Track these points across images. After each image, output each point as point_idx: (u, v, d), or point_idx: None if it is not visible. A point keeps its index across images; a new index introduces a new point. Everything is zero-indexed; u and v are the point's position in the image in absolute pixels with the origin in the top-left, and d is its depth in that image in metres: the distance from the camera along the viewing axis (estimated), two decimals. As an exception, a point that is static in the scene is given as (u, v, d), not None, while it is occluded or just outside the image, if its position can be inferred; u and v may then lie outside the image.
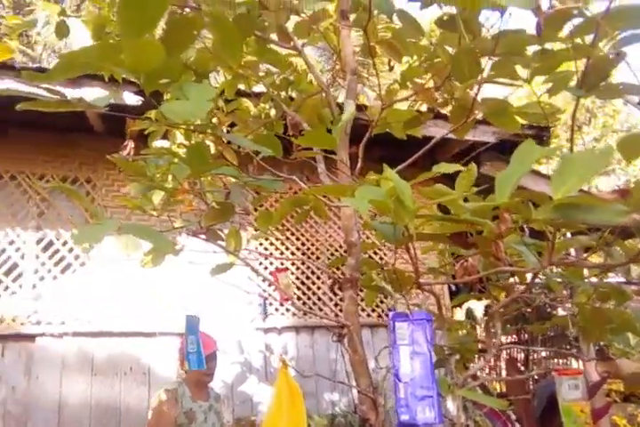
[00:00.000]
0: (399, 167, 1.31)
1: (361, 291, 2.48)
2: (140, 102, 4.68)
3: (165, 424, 3.03)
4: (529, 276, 1.94)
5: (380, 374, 2.08)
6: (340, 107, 2.53)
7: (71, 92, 4.61)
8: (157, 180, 1.98)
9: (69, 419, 4.72)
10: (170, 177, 2.27)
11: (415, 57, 2.33)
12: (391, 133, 2.56)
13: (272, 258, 5.77)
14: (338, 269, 5.22)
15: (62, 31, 2.70)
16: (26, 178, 5.33)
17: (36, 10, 10.22)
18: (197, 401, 3.20)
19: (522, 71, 1.58)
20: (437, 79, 2.12)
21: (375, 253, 6.14)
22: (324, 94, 2.73)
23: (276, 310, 5.78)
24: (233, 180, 2.15)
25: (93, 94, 4.56)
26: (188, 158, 1.63)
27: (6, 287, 4.97)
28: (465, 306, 8.44)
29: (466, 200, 1.54)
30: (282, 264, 5.68)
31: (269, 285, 5.71)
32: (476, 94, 1.71)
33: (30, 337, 4.84)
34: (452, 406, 1.87)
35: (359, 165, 2.11)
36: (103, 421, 4.81)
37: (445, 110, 4.98)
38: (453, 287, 5.63)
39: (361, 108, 2.46)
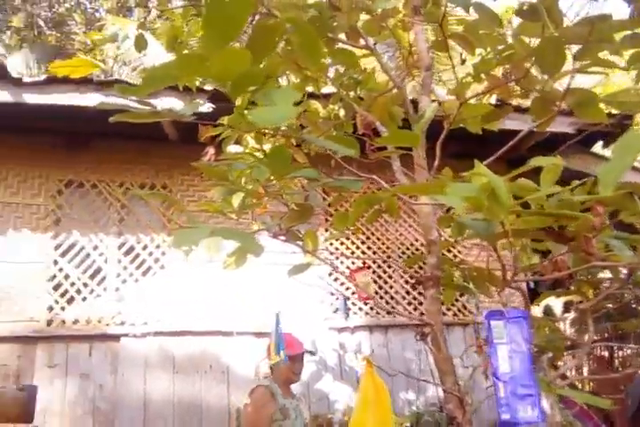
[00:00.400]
0: (484, 163, 1.27)
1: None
2: (211, 109, 4.76)
3: (264, 419, 3.08)
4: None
5: (467, 372, 2.04)
6: (414, 103, 2.50)
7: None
8: (238, 183, 2.01)
9: (154, 415, 4.88)
10: (243, 180, 2.31)
11: (489, 49, 2.28)
12: (463, 128, 2.51)
13: (345, 257, 5.77)
14: (410, 267, 5.19)
15: (141, 44, 2.79)
16: (106, 186, 5.55)
17: (106, 25, 10.61)
18: (287, 398, 3.25)
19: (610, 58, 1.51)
20: (516, 71, 2.06)
21: (449, 250, 6.05)
22: (394, 91, 2.71)
23: (349, 309, 5.76)
24: (307, 182, 2.15)
25: (170, 104, 4.69)
26: (270, 161, 1.64)
27: (92, 290, 5.19)
28: (542, 303, 8.18)
29: (549, 195, 1.49)
30: (353, 263, 5.68)
31: (346, 288, 5.73)
32: (568, 85, 1.64)
33: (115, 337, 5.05)
34: (545, 404, 1.81)
35: (437, 161, 2.08)
36: (185, 417, 4.95)
37: (516, 101, 4.85)
38: (531, 284, 5.47)
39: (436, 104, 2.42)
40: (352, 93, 3.05)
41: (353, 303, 5.80)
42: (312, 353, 3.52)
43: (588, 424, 2.70)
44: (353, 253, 5.87)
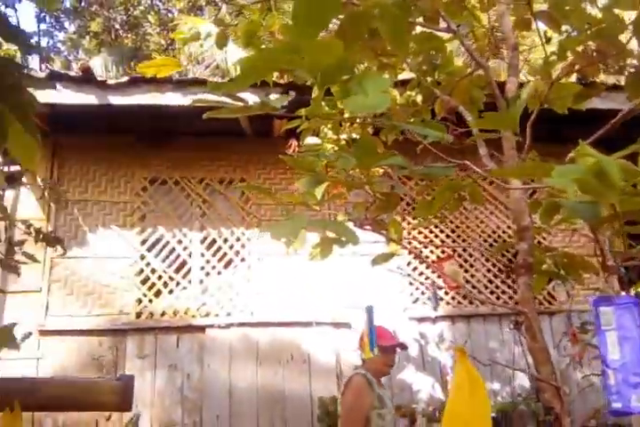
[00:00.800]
0: (585, 142, 1.22)
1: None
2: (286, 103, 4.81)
3: (364, 406, 3.13)
4: None
5: (562, 362, 1.98)
6: (500, 85, 2.43)
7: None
8: (323, 174, 2.03)
9: (239, 403, 5.03)
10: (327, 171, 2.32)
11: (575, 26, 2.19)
12: (548, 110, 2.42)
13: (429, 246, 5.71)
14: (492, 255, 5.07)
15: (223, 41, 2.84)
16: (187, 182, 5.72)
17: (180, 25, 10.87)
18: (381, 388, 3.30)
19: None
20: (605, 47, 1.96)
21: (534, 237, 5.88)
22: (476, 74, 2.65)
23: (440, 299, 5.69)
24: (393, 170, 2.14)
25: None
26: (356, 151, 1.65)
27: (177, 283, 5.38)
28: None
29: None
30: (432, 253, 5.62)
31: (425, 277, 5.69)
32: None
33: (200, 328, 5.22)
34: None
35: (527, 144, 2.02)
36: (269, 405, 5.07)
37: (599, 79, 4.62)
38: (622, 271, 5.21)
39: (521, 85, 2.35)
40: (430, 79, 3.00)
41: (457, 293, 5.73)
42: (404, 347, 3.49)
43: None
44: (431, 241, 5.80)
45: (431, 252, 5.71)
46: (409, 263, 5.78)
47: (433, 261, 2.70)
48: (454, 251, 5.82)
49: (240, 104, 1.41)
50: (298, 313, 5.37)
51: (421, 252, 5.70)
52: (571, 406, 1.96)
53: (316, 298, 5.45)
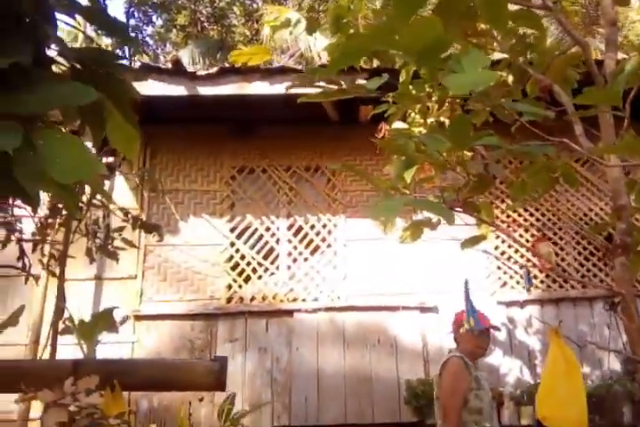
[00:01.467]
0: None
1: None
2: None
3: (463, 387, 3.19)
4: None
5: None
6: (598, 64, 2.35)
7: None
8: (414, 157, 2.05)
9: (326, 386, 5.15)
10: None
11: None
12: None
13: (519, 228, 5.62)
14: (583, 238, 4.90)
15: (313, 27, 2.90)
16: (274, 170, 5.87)
17: (265, 14, 11.09)
18: (477, 370, 3.34)
19: None
20: None
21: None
22: (571, 51, 2.57)
23: (517, 283, 5.65)
24: (487, 151, 2.13)
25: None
26: (451, 131, 1.66)
27: (266, 269, 5.55)
28: None
29: None
30: (521, 236, 5.49)
31: (514, 261, 5.60)
32: None
33: (289, 312, 5.37)
34: None
35: (626, 122, 1.95)
36: (357, 388, 5.16)
37: None
38: None
39: (619, 62, 2.26)
40: (522, 58, 2.94)
41: (546, 275, 5.65)
42: (498, 329, 3.55)
43: None
44: (520, 224, 5.67)
45: (520, 235, 5.60)
46: (497, 247, 5.71)
47: (529, 243, 2.65)
48: (544, 234, 5.69)
49: (334, 87, 1.46)
50: (384, 298, 5.43)
51: (515, 231, 5.61)
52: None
53: (402, 283, 5.48)
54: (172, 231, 5.61)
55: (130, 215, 4.27)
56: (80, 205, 3.35)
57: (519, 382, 5.23)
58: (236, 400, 4.80)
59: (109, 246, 4.03)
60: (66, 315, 3.09)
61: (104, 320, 2.34)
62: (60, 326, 2.94)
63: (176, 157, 5.88)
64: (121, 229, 4.15)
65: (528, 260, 5.70)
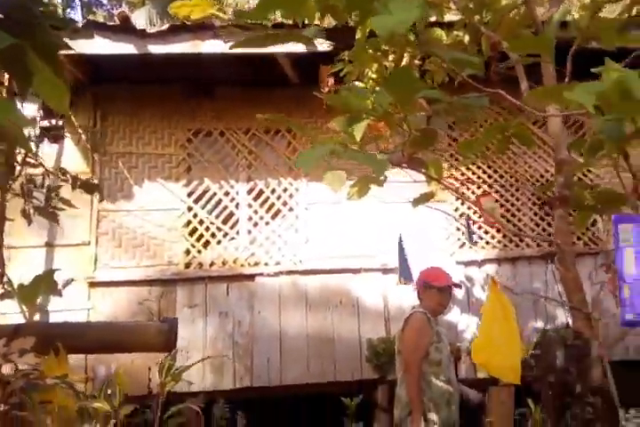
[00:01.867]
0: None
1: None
2: (331, 48, 4.73)
3: (425, 340, 3.38)
4: None
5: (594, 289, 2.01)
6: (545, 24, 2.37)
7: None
8: (359, 113, 2.06)
9: (289, 347, 5.25)
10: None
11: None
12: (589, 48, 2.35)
13: (471, 184, 5.72)
14: (539, 198, 5.01)
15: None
16: (233, 133, 5.80)
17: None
18: (437, 325, 3.51)
19: None
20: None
21: (585, 175, 5.85)
22: (521, 10, 2.59)
23: (475, 243, 5.76)
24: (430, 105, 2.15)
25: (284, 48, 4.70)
26: (392, 83, 1.66)
27: (225, 234, 5.55)
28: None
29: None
30: (473, 193, 5.57)
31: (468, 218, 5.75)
32: None
33: (250, 277, 5.41)
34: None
35: (568, 75, 1.99)
36: (319, 348, 5.29)
37: None
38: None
39: (565, 24, 2.28)
40: (477, 17, 2.95)
41: (480, 237, 5.82)
42: (459, 286, 3.68)
43: None
44: (479, 187, 5.77)
45: (472, 193, 5.75)
46: (456, 209, 5.83)
47: (475, 198, 2.73)
48: (502, 196, 5.83)
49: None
50: (346, 260, 5.51)
51: (473, 193, 5.70)
52: (602, 332, 2.01)
53: (364, 245, 5.56)
54: (126, 196, 5.55)
55: (69, 175, 4.07)
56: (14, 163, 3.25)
57: (476, 337, 5.42)
58: (198, 365, 4.88)
59: (49, 208, 3.85)
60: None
61: (45, 283, 2.33)
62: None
63: (128, 119, 5.75)
64: (58, 188, 3.94)
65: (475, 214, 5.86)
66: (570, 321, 2.13)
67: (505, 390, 4.82)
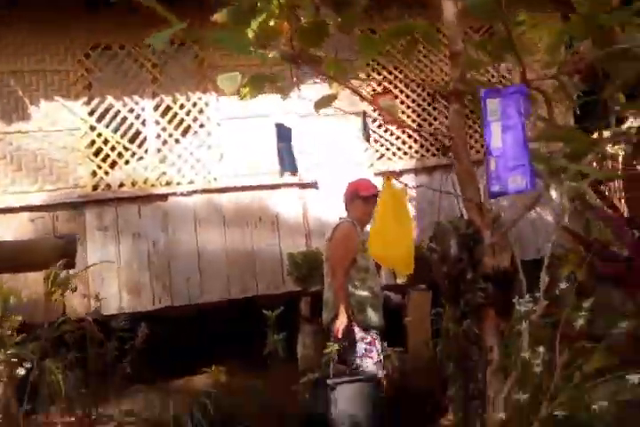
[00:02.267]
0: None
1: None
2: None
3: (353, 248, 3.61)
4: None
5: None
6: None
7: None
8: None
9: (208, 265, 5.29)
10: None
11: None
12: None
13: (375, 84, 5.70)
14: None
15: None
16: (135, 46, 5.44)
17: None
18: (363, 235, 3.67)
19: None
20: None
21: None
22: None
23: (394, 154, 5.91)
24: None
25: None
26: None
27: (133, 153, 5.35)
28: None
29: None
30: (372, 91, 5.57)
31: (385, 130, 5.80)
32: None
33: (162, 197, 5.31)
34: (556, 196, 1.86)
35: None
36: (239, 265, 5.35)
37: None
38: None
39: None
40: None
41: (398, 148, 5.91)
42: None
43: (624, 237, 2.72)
44: (386, 91, 5.73)
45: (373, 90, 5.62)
46: (374, 120, 5.84)
47: (372, 96, 2.72)
48: (414, 101, 5.87)
49: None
50: (263, 177, 5.47)
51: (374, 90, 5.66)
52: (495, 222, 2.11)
53: (281, 160, 5.51)
54: (21, 117, 5.21)
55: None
56: None
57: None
58: (114, 286, 4.85)
59: None
60: None
61: None
62: None
63: (16, 33, 5.26)
64: None
65: (404, 131, 5.91)
66: (464, 212, 2.21)
67: (423, 294, 5.06)
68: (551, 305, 2.31)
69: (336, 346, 3.63)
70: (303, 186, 5.62)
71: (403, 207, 2.36)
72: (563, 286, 2.27)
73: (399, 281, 5.22)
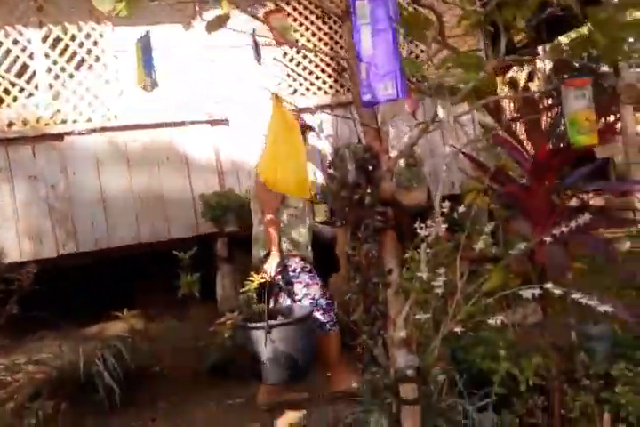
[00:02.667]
0: None
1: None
2: None
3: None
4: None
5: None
6: None
7: None
8: None
9: (114, 209, 5.12)
10: None
11: None
12: None
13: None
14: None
15: None
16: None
17: None
18: None
19: None
20: None
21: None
22: None
23: (307, 89, 5.86)
24: None
25: None
26: None
27: (21, 89, 5.01)
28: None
29: None
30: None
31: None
32: None
33: (58, 136, 5.04)
34: (442, 112, 1.88)
35: None
36: (148, 207, 5.22)
37: None
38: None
39: None
40: None
41: (312, 83, 5.85)
42: (311, 128, 3.82)
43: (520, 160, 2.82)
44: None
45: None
46: (285, 54, 5.74)
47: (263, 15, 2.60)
48: (313, 23, 5.80)
49: None
50: (168, 113, 5.29)
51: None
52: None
53: (188, 95, 5.32)
54: None
55: None
56: None
57: (312, 184, 5.56)
58: (12, 233, 4.64)
59: None
60: None
61: None
62: None
63: None
64: None
65: (316, 65, 5.83)
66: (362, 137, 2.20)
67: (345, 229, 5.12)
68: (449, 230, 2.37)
69: (255, 284, 3.72)
70: (213, 123, 5.48)
71: (293, 129, 2.31)
72: (461, 209, 2.30)
73: (317, 219, 5.26)
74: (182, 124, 5.37)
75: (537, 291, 2.02)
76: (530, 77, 7.49)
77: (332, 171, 2.10)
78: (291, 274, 3.68)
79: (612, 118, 5.26)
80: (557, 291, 1.99)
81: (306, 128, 3.83)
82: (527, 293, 2.03)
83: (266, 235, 3.66)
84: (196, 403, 3.96)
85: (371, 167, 2.02)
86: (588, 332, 2.86)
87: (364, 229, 2.04)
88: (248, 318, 3.51)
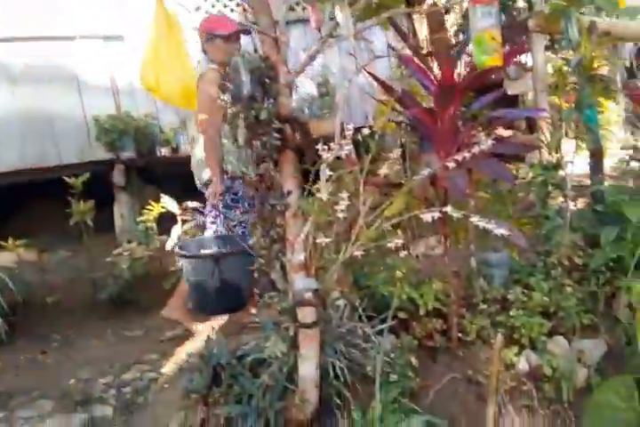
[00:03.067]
0: None
1: None
2: None
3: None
4: None
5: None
6: None
7: None
8: None
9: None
10: None
11: None
12: None
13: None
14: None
15: None
16: None
17: None
18: None
19: None
20: None
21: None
22: None
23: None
24: None
25: None
26: None
27: None
28: None
29: None
30: None
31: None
32: None
33: None
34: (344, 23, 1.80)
35: None
36: (36, 129, 4.90)
37: None
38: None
39: None
40: None
41: None
42: (248, 32, 3.46)
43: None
44: None
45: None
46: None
47: None
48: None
49: None
50: (56, 26, 4.90)
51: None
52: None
53: (78, 7, 4.94)
54: None
55: None
56: None
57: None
58: None
59: None
60: None
61: None
62: None
63: None
64: None
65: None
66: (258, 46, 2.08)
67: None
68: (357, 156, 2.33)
69: (154, 214, 3.58)
70: (107, 38, 5.13)
71: (177, 33, 2.16)
72: (365, 131, 2.25)
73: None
74: (72, 38, 5.00)
75: (437, 214, 2.02)
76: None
77: (225, 83, 1.97)
78: (232, 197, 3.49)
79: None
80: (456, 214, 1.99)
81: (238, 33, 3.46)
82: (427, 216, 2.03)
83: (206, 154, 3.42)
84: (91, 336, 3.85)
85: (267, 80, 1.90)
86: (488, 259, 2.96)
87: (260, 148, 1.95)
88: (183, 247, 3.40)
